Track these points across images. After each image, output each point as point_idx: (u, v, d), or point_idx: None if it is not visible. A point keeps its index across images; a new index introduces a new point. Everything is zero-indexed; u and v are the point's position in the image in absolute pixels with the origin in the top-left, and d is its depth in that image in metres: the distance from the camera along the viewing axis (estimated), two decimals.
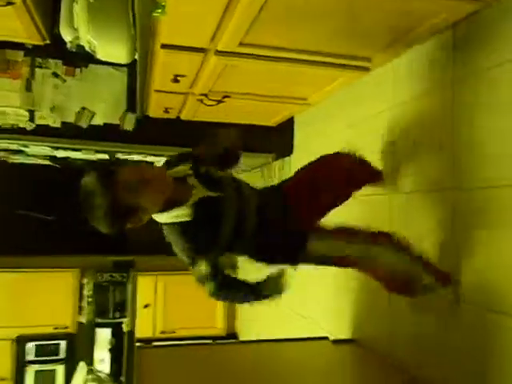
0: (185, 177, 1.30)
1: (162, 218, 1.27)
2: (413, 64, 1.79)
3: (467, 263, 1.47)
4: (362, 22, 1.44)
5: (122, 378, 3.66)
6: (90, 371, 2.75)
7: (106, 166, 1.23)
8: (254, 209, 1.36)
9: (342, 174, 1.69)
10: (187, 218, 1.24)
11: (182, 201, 1.25)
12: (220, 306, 4.24)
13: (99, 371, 3.08)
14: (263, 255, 1.36)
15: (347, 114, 2.32)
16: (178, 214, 1.25)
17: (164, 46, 1.58)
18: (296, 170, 1.74)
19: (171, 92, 2.12)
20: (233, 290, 1.35)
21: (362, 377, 1.87)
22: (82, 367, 3.09)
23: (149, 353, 1.78)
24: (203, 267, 1.27)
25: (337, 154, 1.79)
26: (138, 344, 1.90)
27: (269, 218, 1.40)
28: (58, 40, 2.53)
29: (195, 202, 1.26)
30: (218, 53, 1.62)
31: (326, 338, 2.17)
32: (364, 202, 2.02)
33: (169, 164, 1.38)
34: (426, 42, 1.64)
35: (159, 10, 1.30)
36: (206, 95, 2.17)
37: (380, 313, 1.95)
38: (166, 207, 1.24)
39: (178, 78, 1.90)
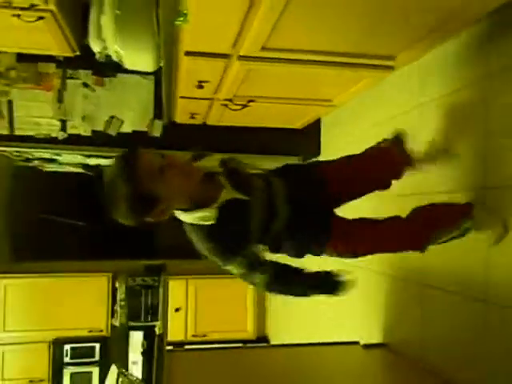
0: (214, 174, 1.24)
1: (186, 217, 1.22)
2: (442, 60, 1.74)
3: (497, 265, 1.42)
4: (386, 19, 1.41)
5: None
6: (122, 374, 2.81)
7: (129, 152, 1.14)
8: (284, 204, 1.29)
9: (388, 170, 1.62)
10: (212, 222, 1.18)
11: (208, 201, 1.20)
12: (251, 310, 4.25)
13: (130, 374, 3.14)
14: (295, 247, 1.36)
15: (374, 113, 2.29)
16: (204, 216, 1.19)
17: (188, 53, 1.60)
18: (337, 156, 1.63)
19: (196, 98, 2.15)
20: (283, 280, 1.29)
21: (393, 382, 1.83)
22: (113, 370, 3.16)
23: (178, 356, 1.80)
24: (234, 267, 1.23)
25: (383, 149, 1.71)
26: (168, 347, 1.94)
27: (302, 211, 1.32)
28: (87, 51, 2.61)
29: (222, 204, 1.20)
30: (241, 58, 1.62)
31: (356, 343, 2.14)
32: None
33: (196, 157, 1.29)
34: (457, 37, 1.59)
35: (181, 18, 1.32)
36: (230, 100, 2.18)
37: (411, 317, 1.91)
38: (192, 206, 1.20)
39: (203, 84, 1.92)
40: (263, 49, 1.54)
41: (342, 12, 1.34)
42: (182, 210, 1.21)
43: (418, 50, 1.62)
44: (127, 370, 4.12)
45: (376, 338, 2.18)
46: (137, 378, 2.90)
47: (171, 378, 1.55)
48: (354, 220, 1.46)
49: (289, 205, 1.29)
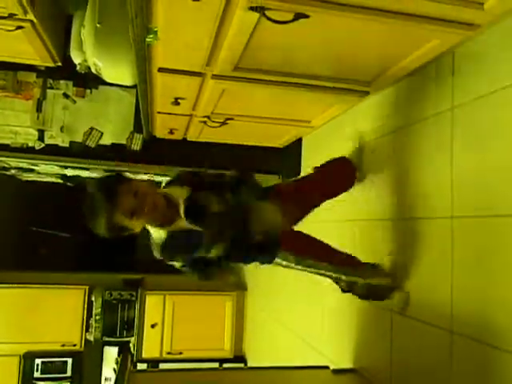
0: (177, 204, 1.42)
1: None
2: (413, 88, 1.76)
3: (461, 294, 1.41)
4: (357, 49, 1.42)
5: None
6: None
7: (111, 180, 1.39)
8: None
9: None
10: (160, 241, 1.40)
11: (164, 224, 1.40)
12: (228, 328, 4.18)
13: None
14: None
15: (353, 135, 2.29)
16: (158, 232, 1.40)
17: (161, 70, 1.59)
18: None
19: (173, 114, 2.14)
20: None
21: None
22: None
23: (141, 378, 1.74)
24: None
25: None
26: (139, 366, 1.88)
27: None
28: (69, 62, 2.60)
29: (172, 230, 1.40)
30: (215, 77, 1.62)
31: (326, 367, 2.10)
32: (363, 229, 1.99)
33: (171, 182, 1.54)
34: (425, 67, 1.61)
35: (151, 36, 1.31)
36: (208, 117, 2.17)
37: (381, 343, 1.88)
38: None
39: (179, 101, 1.91)
40: (236, 69, 1.54)
41: (312, 41, 1.36)
42: None
43: (390, 78, 1.64)
44: None
45: (347, 363, 2.14)
46: None
47: None
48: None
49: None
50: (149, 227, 1.42)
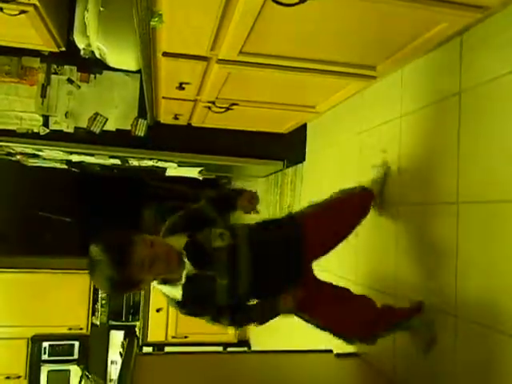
0: (180, 254, 1.37)
1: (156, 284, 1.40)
2: (420, 73, 1.74)
3: (465, 278, 1.41)
4: (364, 33, 1.41)
5: None
6: (86, 376, 2.75)
7: (119, 238, 1.28)
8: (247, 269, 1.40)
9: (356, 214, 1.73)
10: (179, 298, 1.35)
11: (174, 280, 1.36)
12: None
13: (95, 377, 3.09)
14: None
15: (359, 121, 2.28)
16: (171, 292, 1.37)
17: (165, 54, 1.58)
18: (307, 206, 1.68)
19: (178, 99, 2.13)
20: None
21: None
22: (76, 372, 3.10)
23: (150, 360, 1.77)
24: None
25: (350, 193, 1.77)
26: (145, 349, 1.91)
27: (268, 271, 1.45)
28: (73, 47, 2.59)
29: (184, 282, 1.35)
30: (220, 61, 1.61)
31: (330, 351, 2.12)
32: None
33: (170, 231, 1.44)
34: (432, 51, 1.60)
35: (156, 19, 1.30)
36: (213, 103, 2.16)
37: None
38: (161, 281, 1.38)
39: (183, 86, 1.90)
40: (241, 53, 1.53)
41: (318, 24, 1.34)
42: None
43: (396, 61, 1.62)
44: (106, 369, 4.09)
45: (350, 347, 2.16)
46: (102, 381, 2.85)
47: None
48: (325, 285, 1.71)
49: (252, 268, 1.40)
50: (156, 285, 1.39)
